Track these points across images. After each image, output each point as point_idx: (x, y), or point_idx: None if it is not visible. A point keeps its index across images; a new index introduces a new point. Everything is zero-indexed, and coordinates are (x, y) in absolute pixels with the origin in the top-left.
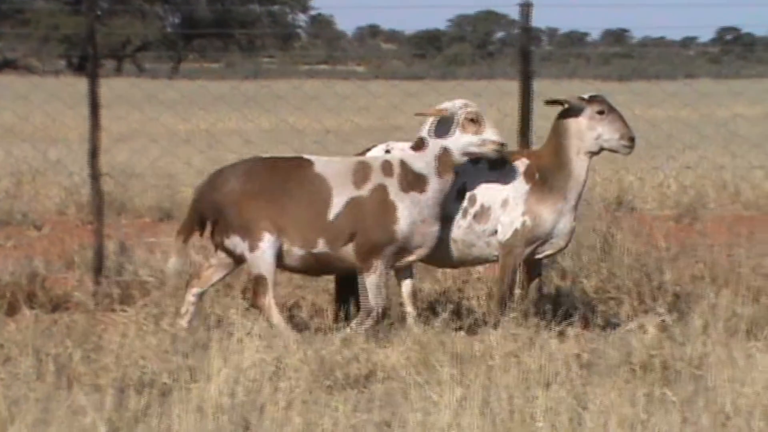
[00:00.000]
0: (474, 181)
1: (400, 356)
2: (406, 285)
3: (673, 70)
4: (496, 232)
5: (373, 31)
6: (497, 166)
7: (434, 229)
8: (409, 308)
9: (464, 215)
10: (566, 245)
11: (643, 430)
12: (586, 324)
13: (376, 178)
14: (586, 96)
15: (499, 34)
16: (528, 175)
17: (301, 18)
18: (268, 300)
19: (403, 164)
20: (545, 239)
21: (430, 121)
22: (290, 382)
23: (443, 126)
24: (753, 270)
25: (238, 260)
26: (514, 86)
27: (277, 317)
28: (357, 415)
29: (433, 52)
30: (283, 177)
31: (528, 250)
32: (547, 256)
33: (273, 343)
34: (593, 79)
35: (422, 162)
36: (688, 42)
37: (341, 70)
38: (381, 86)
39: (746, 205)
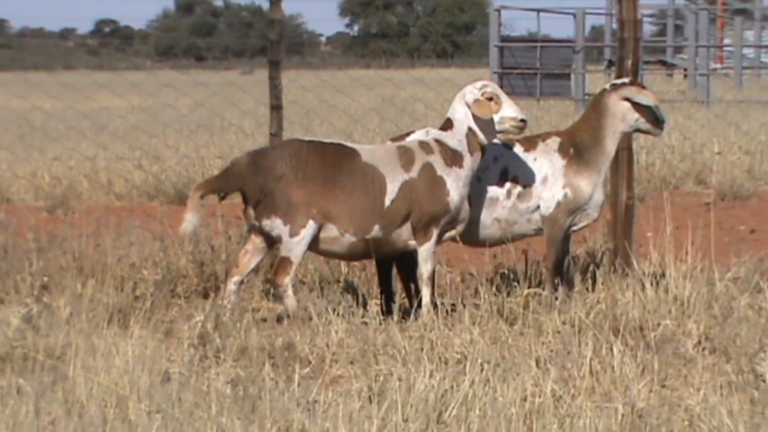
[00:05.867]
0: (513, 163)
1: None
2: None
3: (52, 61)
4: (538, 207)
5: None
6: (530, 148)
7: (467, 206)
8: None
9: (508, 196)
10: (599, 217)
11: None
12: None
13: (420, 158)
14: (627, 80)
15: None
16: (563, 151)
17: None
18: (288, 281)
19: (439, 143)
20: (583, 209)
21: (456, 103)
22: None
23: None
24: (119, 260)
25: (272, 243)
26: None
27: (291, 301)
28: None
29: None
30: (334, 165)
31: (569, 219)
32: (581, 228)
33: None
34: None
35: (455, 140)
36: (67, 33)
37: None
38: None
39: (118, 196)
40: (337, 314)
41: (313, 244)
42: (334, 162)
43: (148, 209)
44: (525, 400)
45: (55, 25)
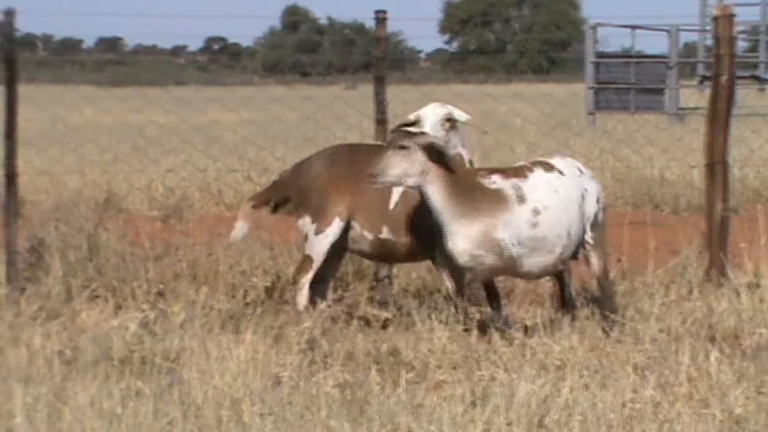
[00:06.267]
0: None
1: None
2: None
3: (164, 77)
4: None
5: None
6: None
7: None
8: None
9: None
10: None
11: (117, 422)
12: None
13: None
14: None
15: None
16: None
17: None
18: (305, 280)
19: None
20: None
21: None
22: None
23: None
24: (230, 268)
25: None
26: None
27: (303, 299)
28: None
29: None
30: (367, 165)
31: None
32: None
33: None
34: (87, 84)
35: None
36: (178, 50)
37: None
38: None
39: (228, 206)
40: (440, 321)
41: (343, 242)
42: (367, 161)
43: (257, 219)
44: (624, 405)
45: (167, 42)
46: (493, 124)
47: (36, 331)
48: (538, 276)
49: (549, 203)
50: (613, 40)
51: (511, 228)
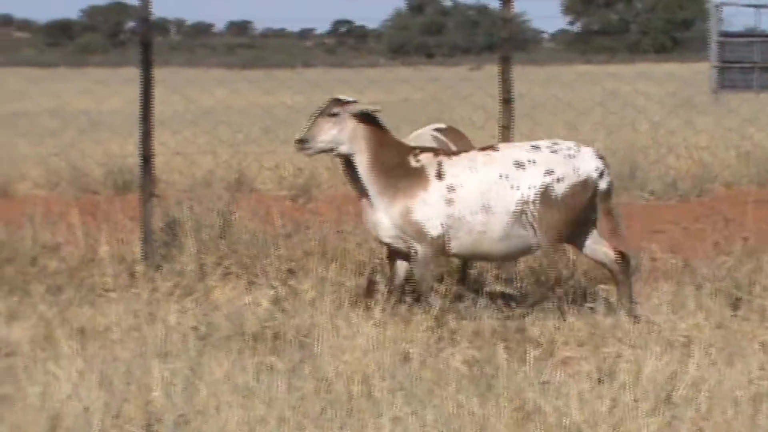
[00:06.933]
0: None
1: (24, 333)
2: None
3: (292, 59)
4: None
5: (6, 20)
6: None
7: None
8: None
9: None
10: None
11: (252, 396)
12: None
13: None
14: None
15: (129, 24)
16: None
17: None
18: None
19: None
20: None
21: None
22: None
23: None
24: (359, 245)
25: None
26: (138, 74)
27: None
28: None
29: (65, 41)
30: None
31: None
32: None
33: None
34: (218, 67)
35: None
36: (306, 33)
37: None
38: (6, 73)
39: None
40: (568, 301)
41: None
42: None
43: None
44: (751, 383)
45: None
46: (617, 104)
47: (171, 308)
48: (500, 258)
49: (463, 178)
50: (738, 20)
51: (428, 207)
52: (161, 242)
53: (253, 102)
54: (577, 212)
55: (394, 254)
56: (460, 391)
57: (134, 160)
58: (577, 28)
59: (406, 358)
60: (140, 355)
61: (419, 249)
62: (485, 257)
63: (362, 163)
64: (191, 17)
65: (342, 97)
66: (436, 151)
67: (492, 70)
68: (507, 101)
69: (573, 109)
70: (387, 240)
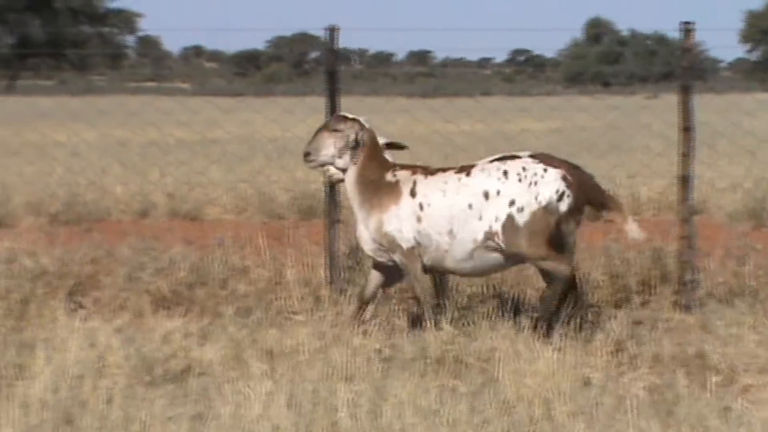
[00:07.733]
0: None
1: (216, 353)
2: None
3: (471, 88)
4: None
5: (197, 51)
6: None
7: None
8: None
9: None
10: None
11: (435, 419)
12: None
13: None
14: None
15: (313, 54)
16: None
17: (129, 39)
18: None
19: None
20: None
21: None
22: (112, 378)
23: None
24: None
25: None
26: (323, 102)
27: None
28: (173, 408)
29: (252, 71)
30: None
31: None
32: None
33: (96, 341)
34: (398, 96)
35: None
36: (484, 63)
37: (167, 87)
38: (200, 103)
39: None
40: (748, 327)
41: None
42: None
43: None
44: None
45: (473, 55)
46: None
47: (356, 331)
48: (468, 275)
49: (433, 200)
50: None
51: (398, 220)
52: (345, 267)
53: (434, 130)
54: (544, 234)
55: (376, 267)
56: (640, 417)
57: (317, 185)
58: (755, 56)
59: (586, 383)
60: (326, 376)
61: (398, 261)
62: (454, 273)
63: (349, 178)
64: (373, 47)
65: (346, 114)
66: (414, 169)
67: (669, 98)
68: (687, 129)
69: (753, 137)
70: (369, 252)
